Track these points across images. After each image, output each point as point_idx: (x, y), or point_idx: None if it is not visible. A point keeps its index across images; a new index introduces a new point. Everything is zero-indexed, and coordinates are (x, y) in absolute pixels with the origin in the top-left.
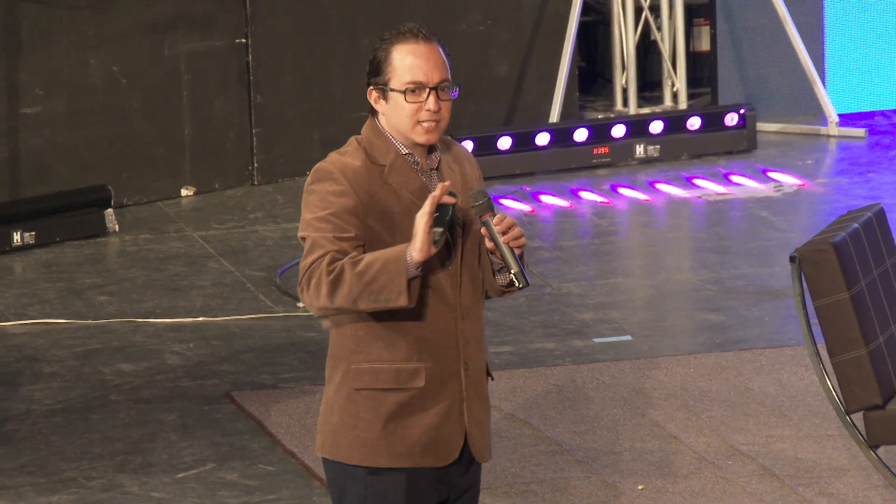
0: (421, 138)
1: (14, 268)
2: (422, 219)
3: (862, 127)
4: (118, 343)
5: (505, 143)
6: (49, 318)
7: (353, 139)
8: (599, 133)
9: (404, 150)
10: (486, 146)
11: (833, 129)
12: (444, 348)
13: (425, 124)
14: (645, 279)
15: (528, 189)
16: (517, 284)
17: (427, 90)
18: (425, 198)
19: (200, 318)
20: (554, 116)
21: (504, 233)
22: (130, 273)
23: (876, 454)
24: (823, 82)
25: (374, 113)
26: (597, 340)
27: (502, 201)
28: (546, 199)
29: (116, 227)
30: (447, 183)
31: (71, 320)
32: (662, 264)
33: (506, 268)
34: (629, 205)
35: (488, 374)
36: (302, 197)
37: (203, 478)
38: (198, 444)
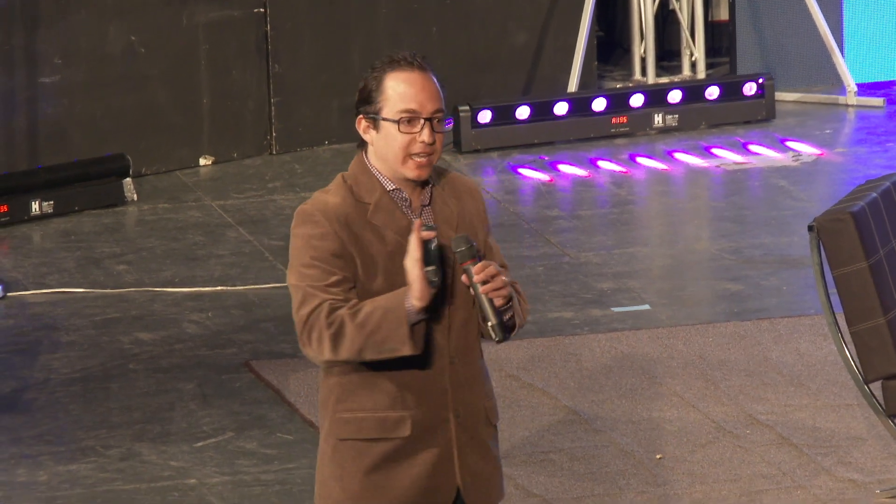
0: (411, 173)
1: (33, 237)
2: (414, 266)
3: (880, 96)
4: (137, 312)
5: (523, 112)
6: (67, 287)
7: (339, 176)
8: (618, 102)
9: (391, 187)
10: (504, 116)
11: (851, 98)
12: (431, 395)
13: (417, 158)
14: (663, 248)
15: (546, 158)
16: (493, 337)
17: (422, 121)
18: (401, 238)
19: (219, 288)
20: (572, 86)
21: (484, 282)
22: (149, 242)
23: (894, 423)
24: (842, 52)
25: (362, 147)
26: (615, 310)
27: (521, 171)
28: (564, 168)
29: (135, 196)
30: (419, 220)
31: (89, 289)
32: (681, 234)
33: (484, 318)
34: (647, 174)
35: (490, 420)
36: (291, 233)
37: (222, 447)
38: (216, 413)
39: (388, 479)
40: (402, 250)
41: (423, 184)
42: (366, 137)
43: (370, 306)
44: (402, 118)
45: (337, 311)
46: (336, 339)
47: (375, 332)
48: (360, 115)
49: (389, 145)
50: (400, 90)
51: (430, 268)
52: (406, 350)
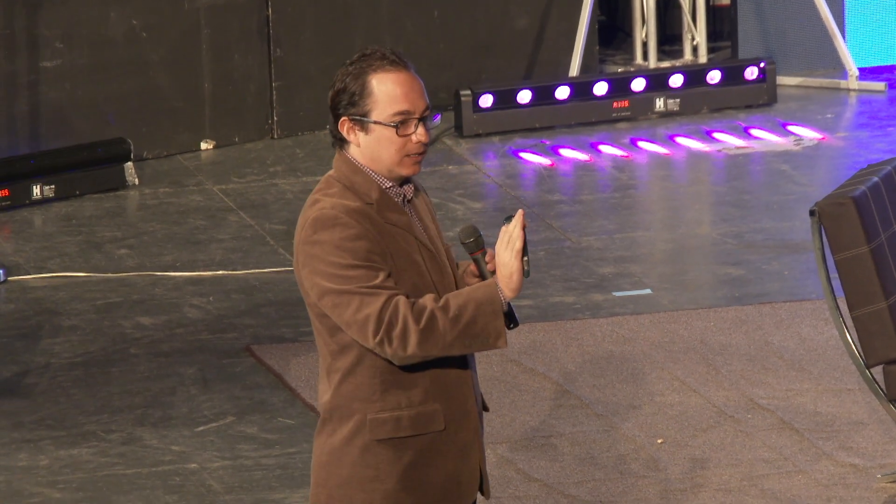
0: (408, 171)
1: (34, 221)
2: (514, 257)
3: (882, 81)
4: (138, 296)
5: (525, 96)
6: (69, 271)
7: (330, 179)
8: (619, 87)
9: (387, 185)
10: (506, 100)
11: (853, 82)
12: (457, 386)
13: (414, 157)
14: (665, 233)
15: (547, 143)
16: (508, 324)
17: (415, 120)
18: (411, 234)
19: (220, 272)
20: (574, 70)
21: (494, 272)
22: (150, 226)
23: (895, 407)
24: (843, 36)
25: (339, 145)
26: (616, 294)
27: (522, 155)
28: (566, 152)
29: (136, 180)
30: (521, 210)
31: (90, 273)
32: (682, 218)
33: None
34: (649, 158)
35: (484, 406)
36: (301, 249)
37: (223, 431)
38: (217, 397)
39: (424, 475)
40: (415, 247)
41: (405, 180)
42: (350, 139)
43: (460, 299)
44: (398, 121)
45: (420, 305)
46: (426, 333)
47: (471, 325)
48: (345, 118)
49: (384, 147)
50: (391, 92)
51: (525, 258)
52: (500, 343)
